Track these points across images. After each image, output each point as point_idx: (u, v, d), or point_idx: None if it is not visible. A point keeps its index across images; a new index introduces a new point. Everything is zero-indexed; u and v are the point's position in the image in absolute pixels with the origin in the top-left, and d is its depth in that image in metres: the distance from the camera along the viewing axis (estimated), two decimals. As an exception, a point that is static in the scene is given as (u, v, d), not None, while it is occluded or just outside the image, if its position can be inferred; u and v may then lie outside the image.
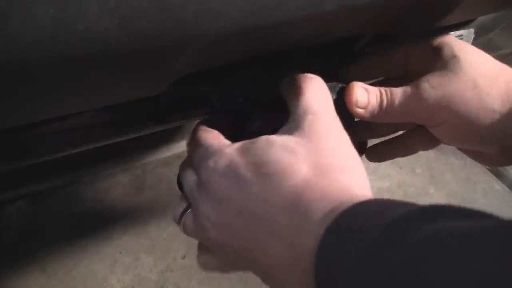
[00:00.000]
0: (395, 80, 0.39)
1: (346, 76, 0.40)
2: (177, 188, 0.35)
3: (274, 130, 0.31)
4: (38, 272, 0.83)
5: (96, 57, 0.22)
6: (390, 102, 0.36)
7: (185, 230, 0.32)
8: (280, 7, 0.25)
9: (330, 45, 0.38)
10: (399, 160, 1.05)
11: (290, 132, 0.29)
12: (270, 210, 0.27)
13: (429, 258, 0.18)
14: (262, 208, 0.27)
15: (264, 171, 0.27)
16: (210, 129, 0.34)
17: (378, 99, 0.36)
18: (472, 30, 0.46)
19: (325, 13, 0.27)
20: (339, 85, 0.37)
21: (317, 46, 0.38)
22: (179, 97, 0.40)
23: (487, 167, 1.04)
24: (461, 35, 0.45)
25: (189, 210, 0.32)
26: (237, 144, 0.30)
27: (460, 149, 0.41)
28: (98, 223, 0.92)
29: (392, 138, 0.44)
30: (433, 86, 0.35)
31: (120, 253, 0.87)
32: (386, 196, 0.77)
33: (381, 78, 0.44)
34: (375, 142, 0.45)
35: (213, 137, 0.33)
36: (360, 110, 0.36)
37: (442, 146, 0.41)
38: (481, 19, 0.49)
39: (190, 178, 0.32)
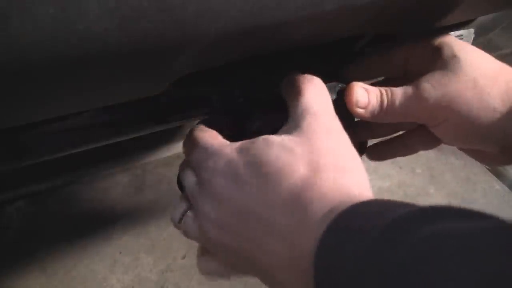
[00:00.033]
0: (395, 80, 0.39)
1: (346, 76, 0.40)
2: (177, 188, 0.35)
3: (274, 130, 0.31)
4: (38, 272, 0.83)
5: (96, 57, 0.22)
6: (391, 102, 0.36)
7: (185, 231, 0.32)
8: (280, 7, 0.25)
9: (330, 45, 0.38)
10: (399, 160, 1.05)
11: (289, 132, 0.29)
12: (270, 210, 0.27)
13: (429, 258, 0.18)
14: (262, 208, 0.27)
15: (263, 171, 0.27)
16: (207, 129, 0.34)
17: (379, 99, 0.36)
18: (472, 30, 0.46)
19: (325, 13, 0.27)
20: (339, 85, 0.37)
21: (317, 46, 0.38)
22: (179, 97, 0.40)
23: (487, 167, 1.04)
24: (461, 35, 0.45)
25: (189, 210, 0.32)
26: (237, 144, 0.30)
27: (460, 148, 0.41)
28: (98, 223, 0.91)
29: (393, 137, 0.44)
30: (433, 86, 0.35)
31: (120, 253, 0.87)
32: (386, 196, 0.77)
33: (381, 78, 0.44)
34: (376, 142, 0.45)
35: (211, 137, 0.32)
36: (360, 110, 0.36)
37: (442, 146, 0.41)
38: (481, 19, 0.49)
39: (190, 178, 0.32)
